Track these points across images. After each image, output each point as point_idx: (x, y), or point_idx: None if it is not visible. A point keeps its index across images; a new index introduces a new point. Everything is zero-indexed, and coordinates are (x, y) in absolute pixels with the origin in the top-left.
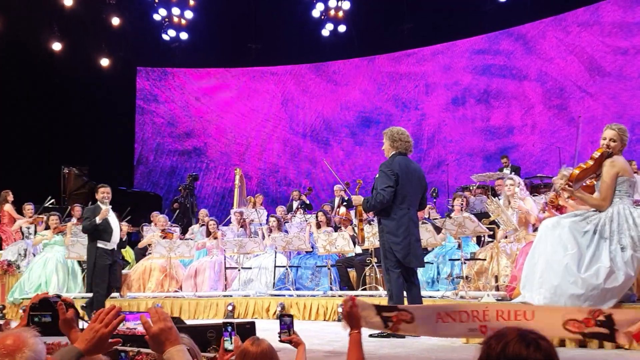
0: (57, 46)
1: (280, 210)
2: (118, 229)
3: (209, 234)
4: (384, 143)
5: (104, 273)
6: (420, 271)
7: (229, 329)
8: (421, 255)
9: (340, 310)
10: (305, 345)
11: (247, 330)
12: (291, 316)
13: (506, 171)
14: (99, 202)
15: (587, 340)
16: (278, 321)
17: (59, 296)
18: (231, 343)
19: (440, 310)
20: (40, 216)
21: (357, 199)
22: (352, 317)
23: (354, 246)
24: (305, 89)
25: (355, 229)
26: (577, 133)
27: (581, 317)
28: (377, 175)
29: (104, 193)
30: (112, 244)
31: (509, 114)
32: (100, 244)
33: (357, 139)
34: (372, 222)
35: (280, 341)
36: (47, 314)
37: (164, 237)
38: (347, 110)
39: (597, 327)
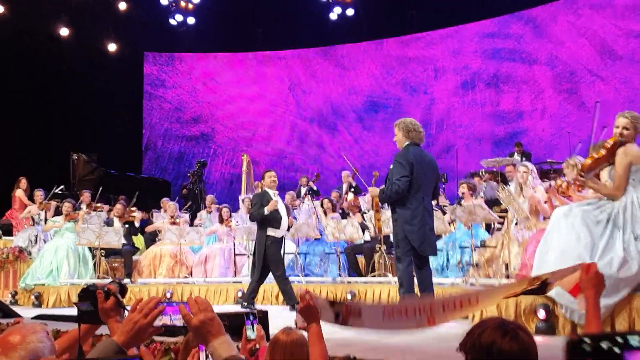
0: (64, 32)
1: (289, 195)
2: (286, 216)
3: (222, 220)
4: (396, 134)
5: (278, 259)
6: (430, 258)
7: (251, 317)
8: (435, 243)
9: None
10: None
11: (260, 319)
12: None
13: (517, 157)
14: (267, 189)
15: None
16: (289, 308)
17: (119, 283)
18: (253, 331)
19: (387, 307)
20: (49, 202)
21: (374, 191)
22: (311, 310)
23: (363, 233)
24: (313, 74)
25: (365, 215)
26: (593, 120)
27: (520, 290)
28: (391, 166)
29: (271, 177)
30: (282, 232)
31: (518, 99)
32: (270, 232)
33: (365, 124)
34: (382, 208)
35: (298, 328)
36: (88, 302)
37: (173, 224)
38: (355, 95)
39: (532, 287)
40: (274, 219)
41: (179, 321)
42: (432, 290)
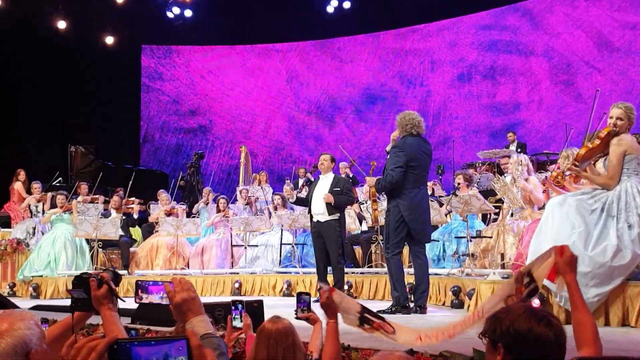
0: (62, 24)
1: (287, 186)
2: (318, 200)
3: (219, 211)
4: (397, 131)
5: (314, 247)
6: (427, 248)
7: (239, 307)
8: (430, 231)
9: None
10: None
11: (254, 308)
12: (309, 294)
13: (512, 148)
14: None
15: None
16: (295, 298)
17: (113, 272)
18: (240, 321)
19: (422, 333)
20: (46, 194)
21: (371, 180)
22: (328, 307)
23: (360, 224)
24: (310, 66)
25: (361, 206)
26: (592, 107)
27: (517, 292)
28: (388, 157)
29: (319, 161)
30: (314, 216)
31: (515, 90)
32: (311, 215)
33: (362, 116)
34: (378, 199)
35: (297, 318)
36: (81, 290)
37: (170, 214)
38: (352, 87)
39: (527, 287)
40: (306, 201)
41: (165, 300)
42: (427, 281)
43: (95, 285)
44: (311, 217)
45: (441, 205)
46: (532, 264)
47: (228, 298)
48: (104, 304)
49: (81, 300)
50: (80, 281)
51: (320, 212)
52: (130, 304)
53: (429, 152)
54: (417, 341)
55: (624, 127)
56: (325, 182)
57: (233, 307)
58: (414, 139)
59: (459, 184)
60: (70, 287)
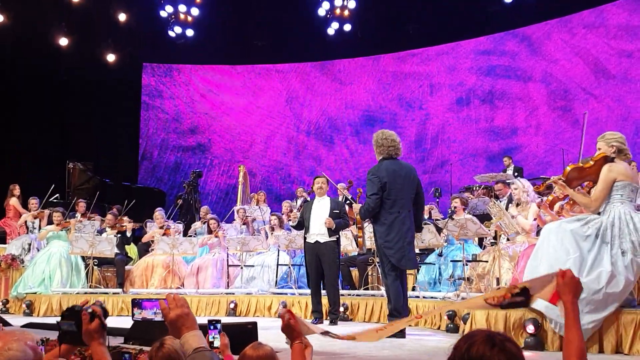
0: (63, 41)
1: (287, 204)
2: (317, 221)
3: (210, 232)
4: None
5: (309, 268)
6: (422, 272)
7: (217, 326)
8: (414, 257)
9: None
10: (313, 348)
11: (248, 330)
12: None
13: (509, 172)
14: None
15: (507, 310)
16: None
17: (101, 306)
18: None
19: (379, 327)
20: (43, 211)
21: (356, 208)
22: (291, 329)
23: (357, 245)
24: (310, 87)
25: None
26: (582, 130)
27: (500, 294)
28: None
29: (315, 184)
30: (312, 237)
31: (513, 115)
32: (306, 236)
33: (361, 138)
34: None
35: (288, 343)
36: (72, 322)
37: (164, 234)
38: (351, 109)
39: (514, 297)
40: (303, 224)
41: (158, 316)
42: (406, 302)
43: (88, 319)
44: (305, 237)
45: (438, 228)
46: (530, 282)
47: (223, 318)
48: (95, 339)
49: (70, 332)
50: (72, 313)
51: (320, 232)
52: (123, 322)
53: (408, 175)
54: (376, 334)
55: (608, 153)
56: (323, 203)
57: (211, 327)
58: (390, 162)
59: (455, 207)
60: (65, 306)
